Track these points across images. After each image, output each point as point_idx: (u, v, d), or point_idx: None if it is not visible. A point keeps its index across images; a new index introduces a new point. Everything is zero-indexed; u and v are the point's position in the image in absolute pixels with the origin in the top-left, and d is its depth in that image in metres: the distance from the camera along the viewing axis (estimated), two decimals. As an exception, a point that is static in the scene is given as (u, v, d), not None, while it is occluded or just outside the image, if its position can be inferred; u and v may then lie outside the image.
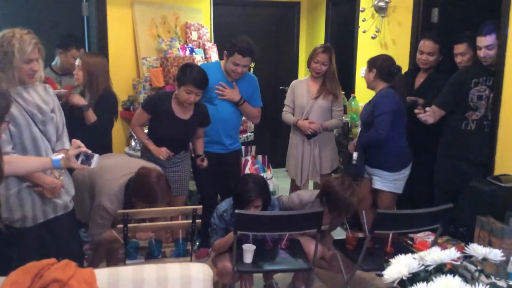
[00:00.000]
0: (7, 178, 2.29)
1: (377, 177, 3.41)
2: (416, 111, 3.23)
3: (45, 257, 2.09)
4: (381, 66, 3.33)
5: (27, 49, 2.30)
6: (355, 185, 3.01)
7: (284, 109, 3.98)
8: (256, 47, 3.45)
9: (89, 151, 2.24)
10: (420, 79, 3.63)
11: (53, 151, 2.49)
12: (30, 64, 2.33)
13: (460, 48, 3.33)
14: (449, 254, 1.46)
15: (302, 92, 3.87)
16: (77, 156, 2.20)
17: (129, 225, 2.60)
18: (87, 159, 2.23)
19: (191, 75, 3.17)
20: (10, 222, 2.41)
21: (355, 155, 3.39)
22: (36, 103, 2.41)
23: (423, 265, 1.44)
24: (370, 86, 3.47)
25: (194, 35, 4.80)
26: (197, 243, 3.77)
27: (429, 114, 3.19)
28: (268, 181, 3.70)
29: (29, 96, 2.40)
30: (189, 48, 4.50)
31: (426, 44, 3.50)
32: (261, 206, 2.87)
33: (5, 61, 2.28)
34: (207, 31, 5.01)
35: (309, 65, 3.85)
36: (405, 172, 3.39)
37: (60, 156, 2.22)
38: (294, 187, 4.06)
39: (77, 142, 2.21)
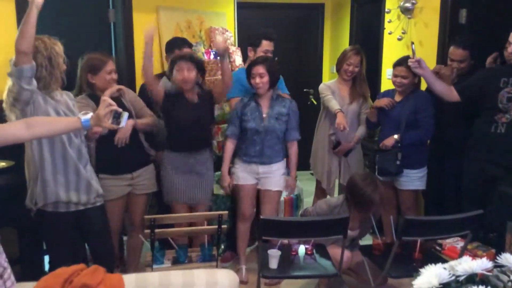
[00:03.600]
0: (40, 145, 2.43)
1: (404, 178, 3.44)
2: (409, 60, 3.18)
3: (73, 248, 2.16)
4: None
5: (61, 49, 2.49)
6: (379, 183, 3.01)
7: (327, 96, 3.73)
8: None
9: (119, 109, 2.09)
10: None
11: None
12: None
13: None
14: (481, 264, 1.42)
15: (334, 95, 3.77)
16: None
17: (157, 230, 2.63)
18: (116, 118, 2.07)
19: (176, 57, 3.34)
20: (44, 206, 2.51)
21: (399, 155, 3.39)
22: (66, 103, 2.58)
23: (453, 275, 1.41)
24: (405, 88, 3.45)
25: (218, 39, 4.80)
26: (222, 247, 3.77)
27: (417, 66, 3.13)
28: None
29: (58, 98, 2.55)
30: (214, 52, 4.51)
31: (455, 52, 3.41)
32: (266, 76, 3.20)
33: (52, 63, 2.43)
34: (231, 35, 5.03)
35: (339, 67, 3.78)
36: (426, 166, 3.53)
37: (89, 115, 2.04)
38: (319, 190, 4.03)
39: (108, 100, 2.10)
